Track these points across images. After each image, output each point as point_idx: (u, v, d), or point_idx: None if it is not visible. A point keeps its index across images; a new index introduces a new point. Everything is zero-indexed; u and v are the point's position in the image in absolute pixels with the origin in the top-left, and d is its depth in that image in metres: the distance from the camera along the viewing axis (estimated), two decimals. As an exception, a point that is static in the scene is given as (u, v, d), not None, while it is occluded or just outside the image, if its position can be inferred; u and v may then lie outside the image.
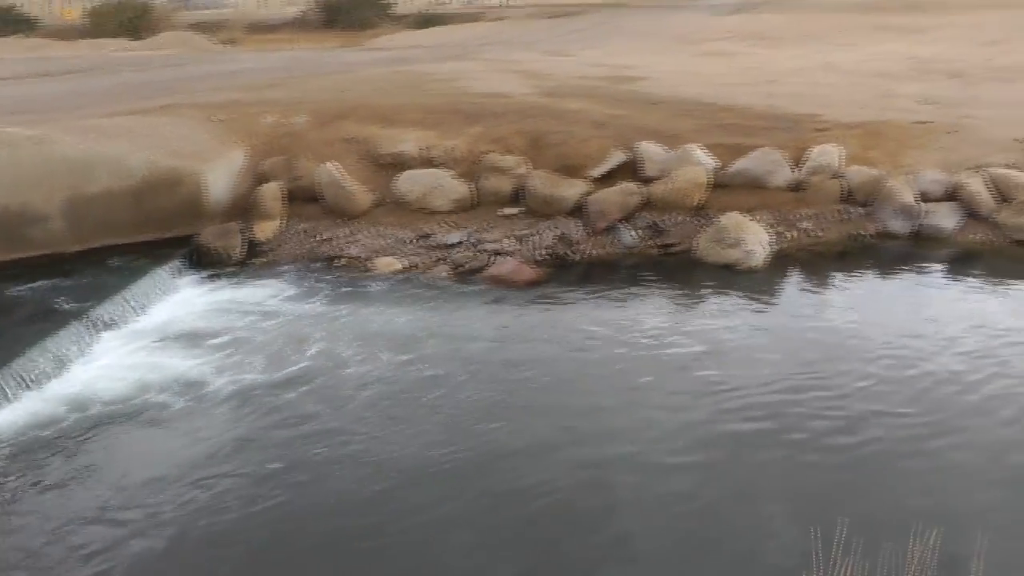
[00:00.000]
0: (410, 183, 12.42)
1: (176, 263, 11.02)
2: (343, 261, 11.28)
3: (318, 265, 11.23)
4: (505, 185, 12.32)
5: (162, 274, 10.65)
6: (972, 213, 11.96)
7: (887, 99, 16.64)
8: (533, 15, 47.20)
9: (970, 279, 10.69)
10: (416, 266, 11.09)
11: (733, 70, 20.95)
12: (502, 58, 23.37)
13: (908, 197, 11.92)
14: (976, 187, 12.05)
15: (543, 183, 12.13)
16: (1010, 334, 8.95)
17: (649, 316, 9.59)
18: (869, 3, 51.86)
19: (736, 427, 7.33)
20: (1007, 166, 12.48)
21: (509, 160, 12.45)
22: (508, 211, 12.14)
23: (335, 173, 12.34)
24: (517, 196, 12.28)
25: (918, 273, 10.92)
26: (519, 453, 6.99)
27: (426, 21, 47.79)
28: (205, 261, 11.28)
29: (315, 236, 11.87)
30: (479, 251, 11.26)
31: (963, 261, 11.28)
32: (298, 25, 46.63)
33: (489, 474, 6.75)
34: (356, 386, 8.06)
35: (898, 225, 11.81)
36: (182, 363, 8.57)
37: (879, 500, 6.33)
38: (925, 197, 12.12)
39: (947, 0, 56.06)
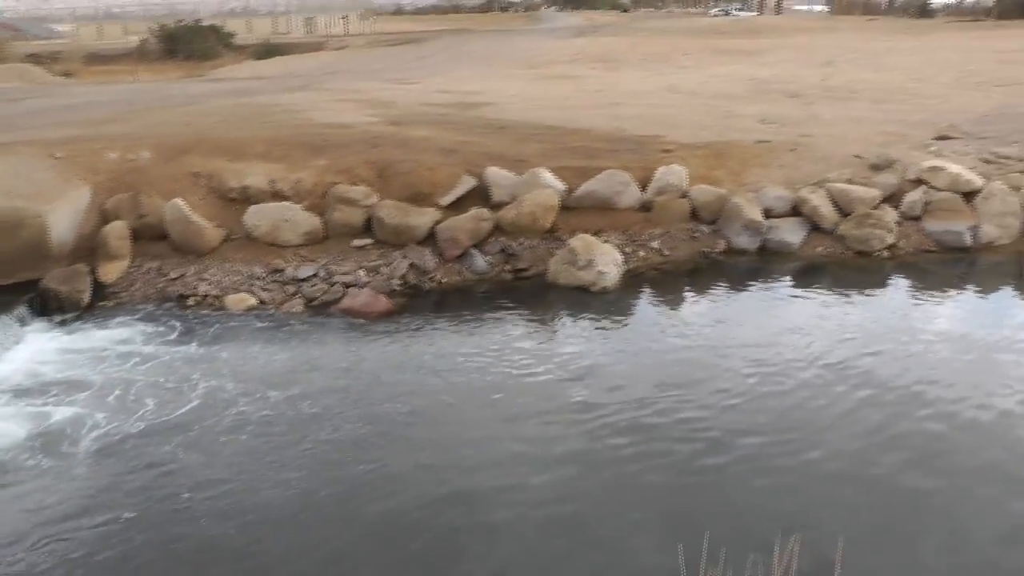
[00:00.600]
0: (259, 217, 12.17)
1: (21, 310, 10.36)
2: (195, 300, 10.95)
3: (169, 305, 10.86)
4: (355, 216, 12.20)
5: (6, 322, 10.05)
6: (816, 227, 12.53)
7: (729, 119, 17.25)
8: (376, 43, 47.27)
9: (817, 291, 11.13)
10: (269, 301, 10.86)
11: (578, 93, 21.38)
12: (346, 87, 23.25)
13: (753, 213, 12.38)
14: (818, 202, 12.61)
15: (393, 213, 12.07)
16: (859, 344, 9.36)
17: (505, 342, 9.63)
18: (708, 26, 53.95)
19: (598, 448, 7.41)
20: (846, 181, 13.09)
21: (358, 191, 12.34)
22: (360, 242, 12.03)
23: (182, 209, 11.98)
24: (368, 227, 12.18)
25: (767, 288, 11.32)
26: (385, 490, 6.89)
27: (268, 51, 47.34)
28: (52, 306, 10.67)
29: (164, 275, 11.49)
30: (332, 284, 11.12)
31: (809, 274, 11.76)
32: (137, 56, 45.49)
33: (356, 513, 6.63)
34: (214, 428, 7.80)
35: (745, 241, 12.25)
36: (30, 415, 8.13)
37: (742, 513, 6.50)
38: (770, 213, 12.63)
39: (782, 24, 58.89)
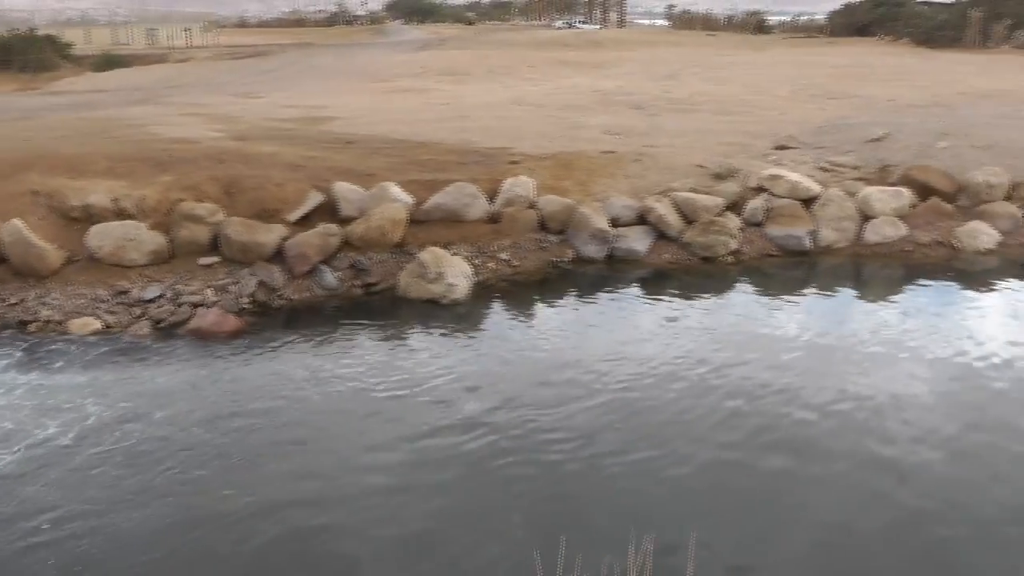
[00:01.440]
0: (102, 237, 11.71)
1: None
2: (36, 325, 10.42)
3: (9, 332, 10.31)
4: (202, 234, 11.90)
5: None
6: (662, 235, 12.90)
7: (575, 130, 17.58)
8: (220, 55, 46.29)
9: (665, 298, 11.45)
10: (115, 325, 10.44)
11: (425, 107, 21.44)
12: (191, 101, 22.72)
13: (601, 223, 12.65)
14: (663, 210, 12.98)
15: (240, 230, 11.82)
16: (707, 348, 9.66)
17: (357, 359, 9.54)
18: (553, 39, 54.76)
19: (454, 463, 7.42)
20: (690, 190, 13.52)
21: (204, 208, 12.04)
22: (207, 260, 11.72)
23: (21, 230, 11.39)
24: (215, 244, 11.88)
25: (616, 296, 11.56)
26: (240, 515, 6.71)
27: (109, 63, 45.75)
28: None
29: (3, 300, 10.91)
30: (179, 304, 10.79)
31: (657, 281, 12.09)
32: (-33, 67, 43.27)
33: (202, 545, 6.44)
34: (56, 460, 7.44)
35: (593, 250, 12.50)
36: None
37: (598, 517, 6.62)
38: (617, 222, 12.93)
39: (625, 37, 60.31)
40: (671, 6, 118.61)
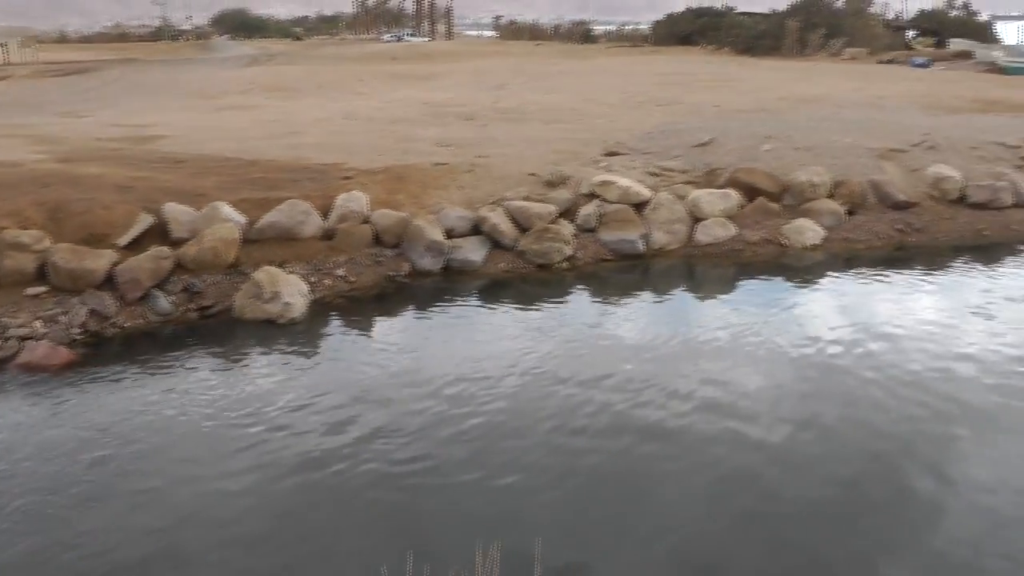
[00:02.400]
0: (-85, 269, 11.03)
1: None
2: None
3: None
4: (27, 262, 11.32)
5: None
6: (497, 244, 13.04)
7: (407, 143, 17.59)
8: (41, 73, 44.30)
9: (503, 307, 11.57)
10: (-63, 364, 9.80)
11: (256, 123, 21.07)
12: (10, 122, 21.67)
13: (435, 235, 12.69)
14: (497, 220, 13.13)
15: (68, 257, 11.32)
16: (544, 356, 9.80)
17: (194, 386, 9.25)
18: (381, 52, 54.69)
19: (294, 486, 7.29)
20: (524, 198, 13.72)
21: (28, 235, 11.45)
22: (34, 290, 11.15)
23: None
24: (42, 273, 11.31)
25: (454, 307, 11.60)
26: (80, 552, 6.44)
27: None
28: None
29: None
30: (6, 339, 10.21)
31: (494, 290, 12.20)
32: None
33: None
34: None
35: (429, 262, 12.51)
36: None
37: (443, 528, 6.62)
38: (452, 233, 13.00)
39: (454, 49, 60.71)
40: (498, 17, 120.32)
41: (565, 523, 6.65)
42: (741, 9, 69.16)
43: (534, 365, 9.50)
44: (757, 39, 53.24)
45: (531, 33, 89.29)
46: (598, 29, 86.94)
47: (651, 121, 20.51)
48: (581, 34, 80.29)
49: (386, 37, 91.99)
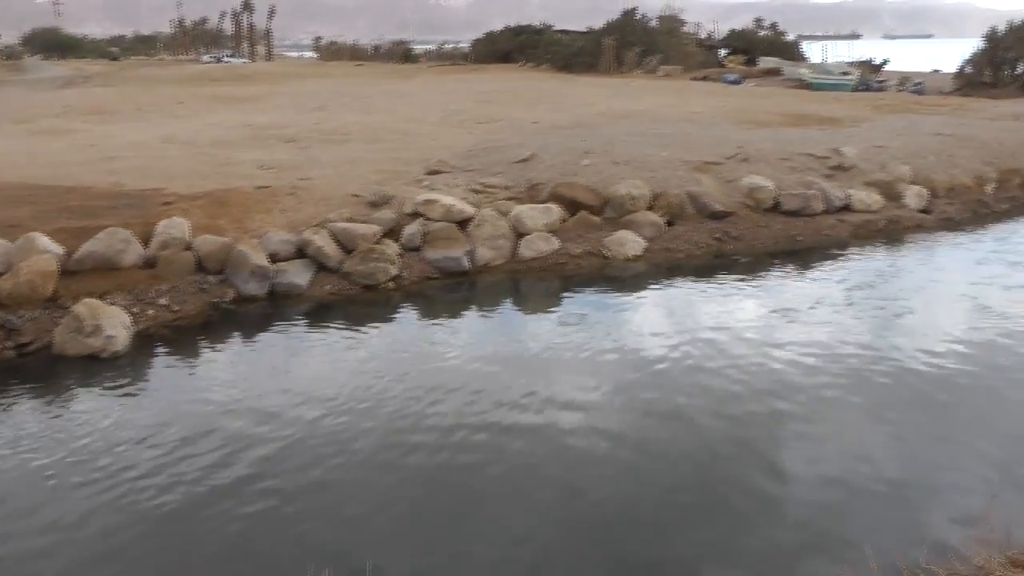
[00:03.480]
0: None
1: None
2: None
3: None
4: None
5: None
6: (322, 266, 12.91)
7: (229, 167, 17.23)
8: None
9: (329, 330, 11.41)
10: None
11: (72, 148, 20.22)
12: None
13: (259, 259, 12.48)
14: (322, 242, 13.00)
15: None
16: (372, 377, 9.74)
17: (10, 431, 8.75)
18: (201, 74, 53.39)
19: (120, 527, 7.03)
20: (347, 220, 13.63)
21: None
22: None
23: None
24: None
25: (280, 333, 11.40)
26: None
27: None
28: None
29: None
30: None
31: (320, 313, 12.04)
32: None
33: None
34: None
35: (254, 288, 12.29)
36: None
37: (274, 556, 6.49)
38: (276, 257, 12.80)
39: (274, 70, 59.83)
40: (318, 38, 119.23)
41: (397, 541, 6.62)
42: (559, 27, 70.65)
43: (362, 386, 9.42)
44: (575, 56, 54.44)
45: (352, 54, 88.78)
46: (418, 48, 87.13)
47: (472, 139, 20.70)
48: (401, 54, 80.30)
49: (206, 58, 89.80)
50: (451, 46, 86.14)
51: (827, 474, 7.60)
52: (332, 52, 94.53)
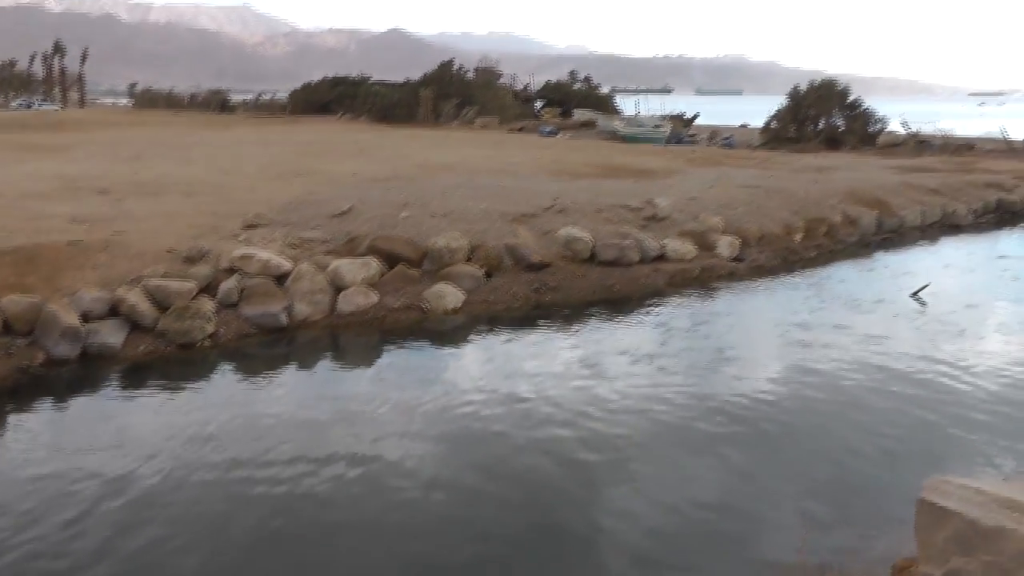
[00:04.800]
0: None
1: None
2: None
3: None
4: None
5: None
6: (137, 325, 12.34)
7: (39, 221, 16.33)
8: None
9: (143, 391, 10.91)
10: None
11: None
12: None
13: (71, 319, 11.81)
14: (135, 300, 12.45)
15: None
16: (187, 442, 9.31)
17: None
18: (9, 121, 50.80)
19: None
20: (163, 276, 13.11)
21: None
22: None
23: None
24: None
25: (91, 397, 10.80)
26: None
27: None
28: None
29: None
30: None
31: (134, 375, 11.48)
32: None
33: None
34: None
35: (65, 349, 11.60)
36: None
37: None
38: (89, 316, 12.15)
39: (87, 118, 57.63)
40: (133, 84, 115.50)
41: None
42: (377, 78, 70.84)
43: (175, 451, 8.98)
44: (393, 108, 54.68)
45: (168, 101, 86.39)
46: (236, 98, 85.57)
47: (290, 191, 20.33)
48: (219, 103, 78.69)
49: (15, 104, 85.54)
50: (269, 96, 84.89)
51: (646, 517, 7.74)
52: (148, 99, 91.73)
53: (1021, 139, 42.31)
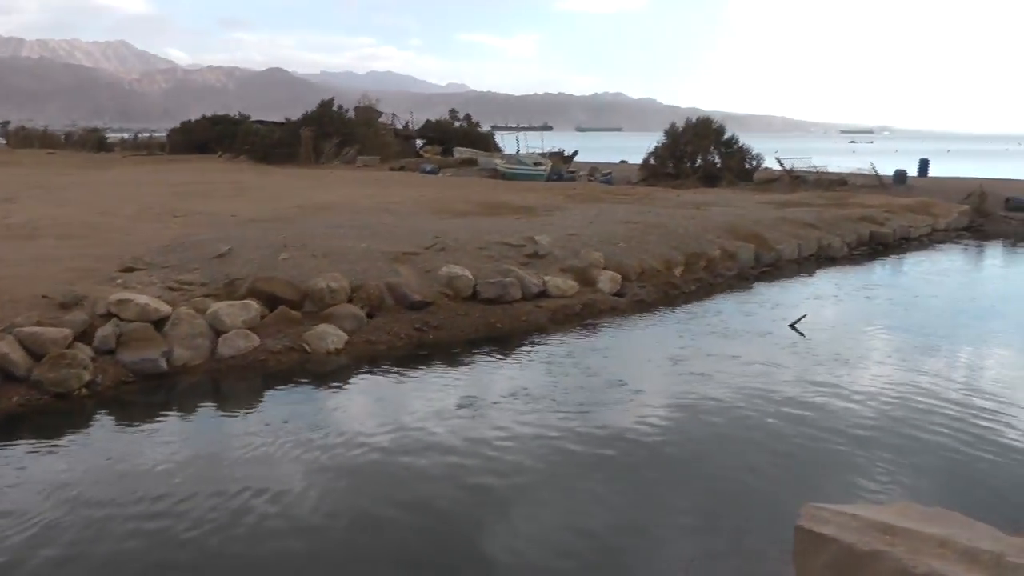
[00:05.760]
0: None
1: None
2: None
3: None
4: None
5: None
6: (9, 375, 11.71)
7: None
8: None
9: (16, 445, 10.32)
10: None
11: None
12: None
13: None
14: (7, 348, 11.83)
15: None
16: (66, 500, 8.90)
17: None
18: None
19: None
20: (36, 323, 12.55)
21: None
22: None
23: None
24: None
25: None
26: None
27: None
28: None
29: None
30: None
31: (7, 427, 10.85)
32: None
33: None
34: None
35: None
36: None
37: None
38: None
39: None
40: (6, 123, 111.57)
41: None
42: (257, 117, 69.88)
43: (49, 506, 8.56)
44: (273, 147, 53.86)
45: (43, 140, 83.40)
46: (113, 136, 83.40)
47: (169, 233, 19.81)
48: (96, 142, 76.42)
49: None
50: (147, 135, 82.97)
51: (535, 553, 7.73)
52: (21, 138, 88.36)
53: (889, 175, 44.11)
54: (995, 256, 27.74)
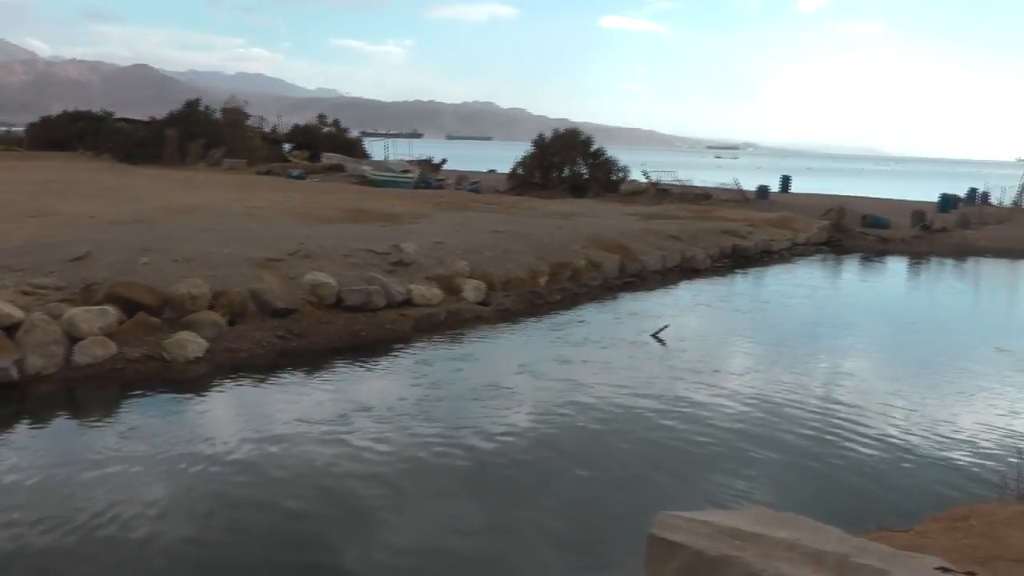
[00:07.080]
0: None
1: None
2: None
3: None
4: None
5: None
6: None
7: None
8: None
9: None
10: None
11: None
12: None
13: None
14: None
15: None
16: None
17: None
18: None
19: None
20: None
21: None
22: None
23: None
24: None
25: None
26: None
27: None
28: None
29: None
30: None
31: None
32: None
33: None
34: None
35: None
36: None
37: None
38: None
39: None
40: None
41: None
42: (121, 115, 67.34)
43: None
44: (137, 147, 52.04)
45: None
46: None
47: (23, 234, 18.73)
48: (-53, 135, 72.48)
49: None
50: (4, 129, 78.95)
51: (390, 560, 7.57)
52: None
53: (752, 190, 45.39)
54: (851, 270, 28.98)
